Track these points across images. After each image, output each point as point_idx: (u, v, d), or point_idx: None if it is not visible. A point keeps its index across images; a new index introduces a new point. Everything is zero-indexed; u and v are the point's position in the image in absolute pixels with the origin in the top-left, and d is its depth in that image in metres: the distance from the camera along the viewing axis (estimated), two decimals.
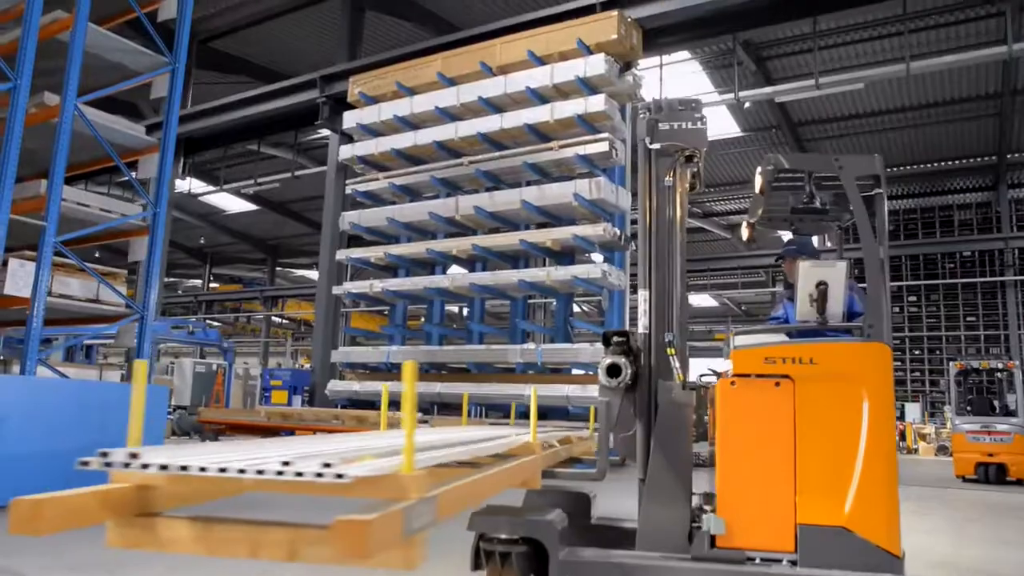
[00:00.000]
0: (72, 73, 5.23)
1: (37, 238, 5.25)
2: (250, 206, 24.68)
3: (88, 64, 5.48)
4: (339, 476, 1.51)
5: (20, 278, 4.85)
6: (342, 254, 11.27)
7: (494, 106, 9.96)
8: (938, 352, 21.87)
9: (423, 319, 19.16)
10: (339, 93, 13.02)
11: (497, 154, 9.83)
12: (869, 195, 3.44)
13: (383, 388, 3.90)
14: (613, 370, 3.29)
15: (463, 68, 10.52)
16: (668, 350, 3.30)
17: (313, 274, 30.98)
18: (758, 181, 3.53)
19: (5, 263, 4.83)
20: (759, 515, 3.03)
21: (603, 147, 9.01)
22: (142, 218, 5.74)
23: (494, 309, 21.33)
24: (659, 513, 3.18)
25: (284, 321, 33.05)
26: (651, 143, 3.54)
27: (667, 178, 3.53)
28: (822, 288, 3.31)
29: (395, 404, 10.00)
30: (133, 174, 6.02)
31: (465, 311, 19.85)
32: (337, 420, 9.74)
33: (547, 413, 8.91)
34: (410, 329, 11.95)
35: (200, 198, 23.10)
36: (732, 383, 3.17)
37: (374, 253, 10.81)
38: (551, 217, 9.57)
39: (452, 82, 10.47)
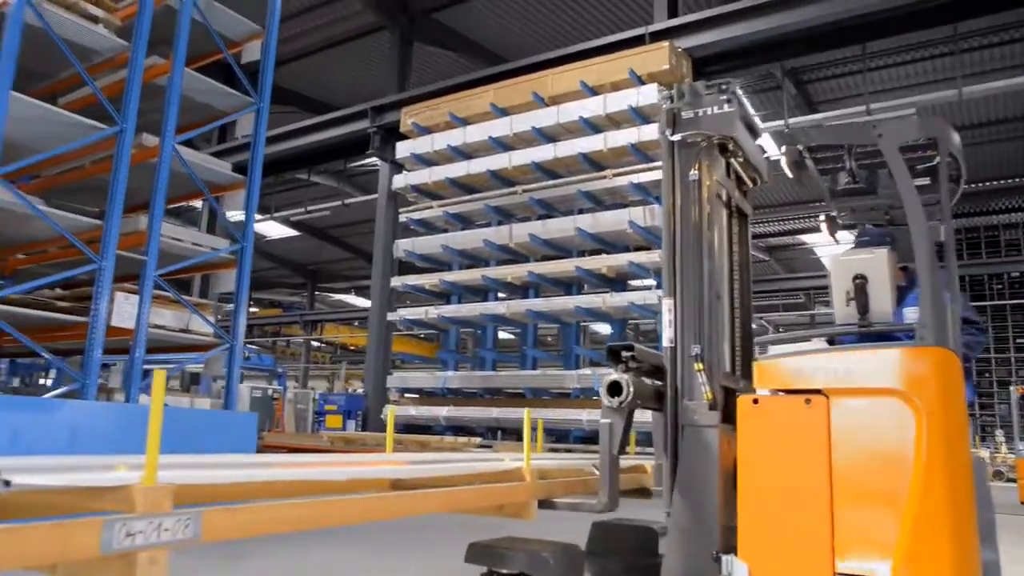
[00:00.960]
0: (170, 116, 5.53)
1: (133, 271, 5.54)
2: (291, 232, 25.18)
3: (180, 105, 5.77)
4: (6, 484, 1.42)
5: (125, 310, 5.11)
6: (397, 281, 11.48)
7: (547, 136, 10.16)
8: (987, 375, 21.46)
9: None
10: (390, 123, 13.35)
11: (551, 183, 10.00)
12: (931, 165, 2.96)
13: (390, 411, 4.04)
14: (614, 388, 2.93)
15: (515, 99, 10.75)
16: (696, 365, 2.93)
17: (352, 298, 31.41)
18: (783, 161, 3.23)
19: (112, 296, 5.09)
20: (787, 559, 2.55)
21: (657, 175, 9.14)
22: (231, 252, 6.00)
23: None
24: (682, 551, 2.80)
25: (322, 345, 33.46)
26: (671, 134, 3.11)
27: (692, 172, 3.10)
28: (859, 283, 2.89)
29: (453, 428, 10.13)
30: (221, 208, 6.29)
31: (503, 335, 19.98)
32: (400, 445, 9.88)
33: None
34: (460, 353, 12.11)
35: None
36: (755, 400, 2.73)
37: (428, 280, 11.00)
38: (604, 244, 9.70)
39: (504, 112, 10.70)
